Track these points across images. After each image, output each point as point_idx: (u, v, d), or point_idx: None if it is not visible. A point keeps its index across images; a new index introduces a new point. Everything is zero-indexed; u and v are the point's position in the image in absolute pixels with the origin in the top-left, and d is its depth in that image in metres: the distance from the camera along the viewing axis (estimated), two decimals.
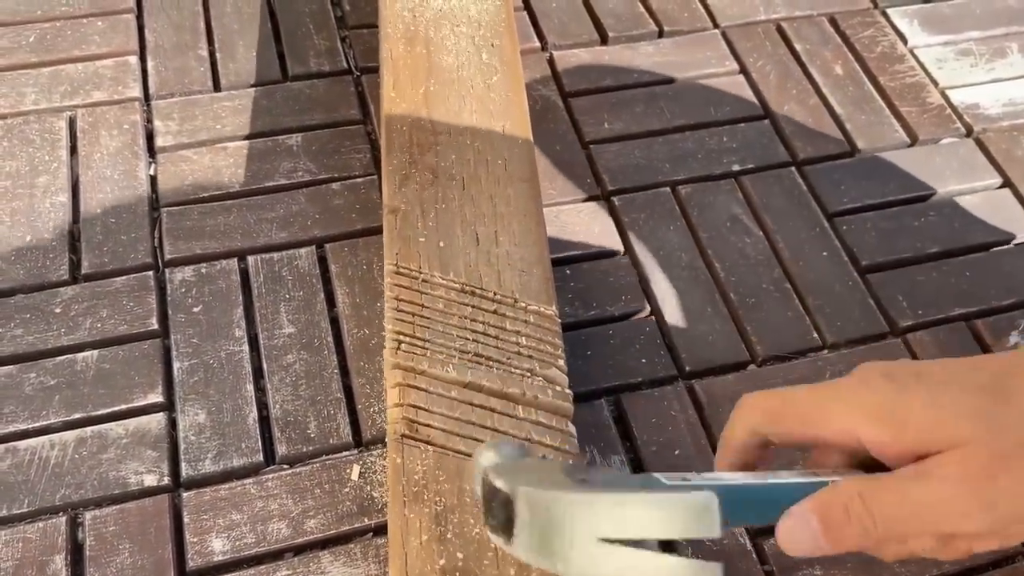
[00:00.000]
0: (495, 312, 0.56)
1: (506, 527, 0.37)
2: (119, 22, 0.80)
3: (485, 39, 0.70)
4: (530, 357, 0.55)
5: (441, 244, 0.59)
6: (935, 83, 0.83)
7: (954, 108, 0.82)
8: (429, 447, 0.50)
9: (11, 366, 0.60)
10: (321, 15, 0.83)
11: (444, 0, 0.72)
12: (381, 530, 0.56)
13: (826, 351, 0.66)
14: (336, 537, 0.55)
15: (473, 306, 0.56)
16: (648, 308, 0.67)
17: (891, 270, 0.71)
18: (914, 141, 0.79)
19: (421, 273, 0.57)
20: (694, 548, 0.55)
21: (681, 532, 0.34)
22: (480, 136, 0.65)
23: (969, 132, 0.80)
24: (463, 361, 0.54)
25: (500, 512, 0.37)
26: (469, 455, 0.50)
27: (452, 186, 0.62)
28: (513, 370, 0.54)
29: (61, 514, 0.55)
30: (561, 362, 0.55)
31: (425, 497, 0.48)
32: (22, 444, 0.57)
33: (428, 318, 0.56)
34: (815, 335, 0.66)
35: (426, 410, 0.52)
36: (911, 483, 0.36)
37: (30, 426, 0.58)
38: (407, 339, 0.55)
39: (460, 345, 0.55)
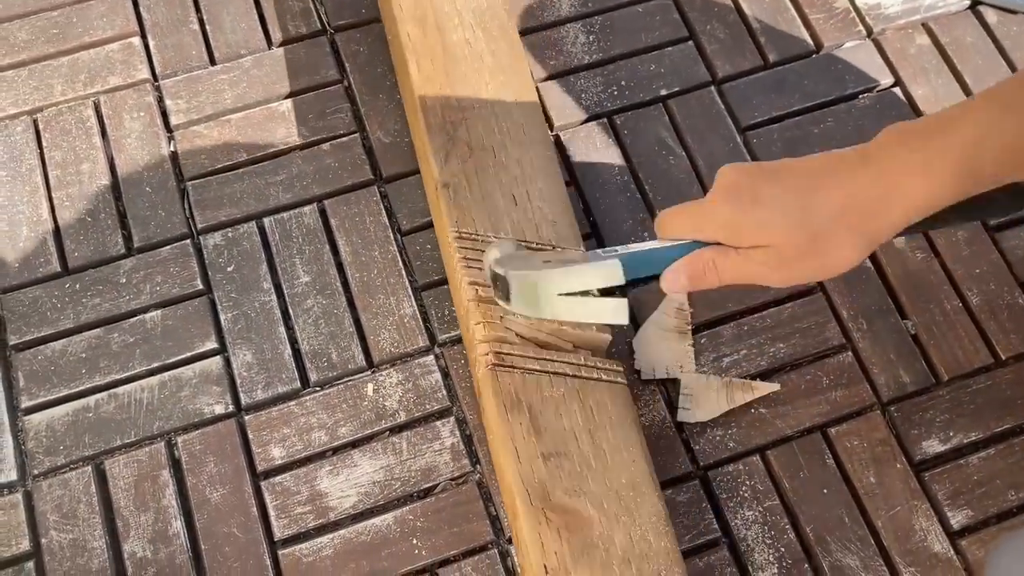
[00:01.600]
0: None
1: (506, 296, 0.63)
2: (116, 3, 0.91)
3: (480, 10, 0.80)
4: None
5: (488, 208, 0.72)
6: None
7: (858, 10, 0.92)
8: (515, 370, 0.67)
9: (98, 329, 0.78)
10: None
11: None
12: (394, 430, 0.75)
13: None
14: (362, 438, 0.75)
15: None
16: (590, 231, 0.83)
17: None
18: (819, 48, 0.91)
19: (479, 235, 0.71)
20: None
21: (600, 283, 0.61)
22: (498, 106, 0.77)
23: (869, 33, 0.91)
24: None
25: (503, 286, 0.63)
26: (543, 372, 0.67)
27: (485, 156, 0.74)
28: None
29: (159, 440, 0.75)
30: None
31: (520, 407, 0.66)
32: (120, 390, 0.76)
33: None
34: None
35: (506, 341, 0.68)
36: (744, 260, 0.58)
37: (124, 375, 0.77)
38: (481, 286, 0.69)
39: None
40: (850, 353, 0.78)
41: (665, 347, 0.77)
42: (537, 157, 0.76)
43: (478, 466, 0.74)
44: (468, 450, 0.75)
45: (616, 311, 0.61)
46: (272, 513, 0.72)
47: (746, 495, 0.73)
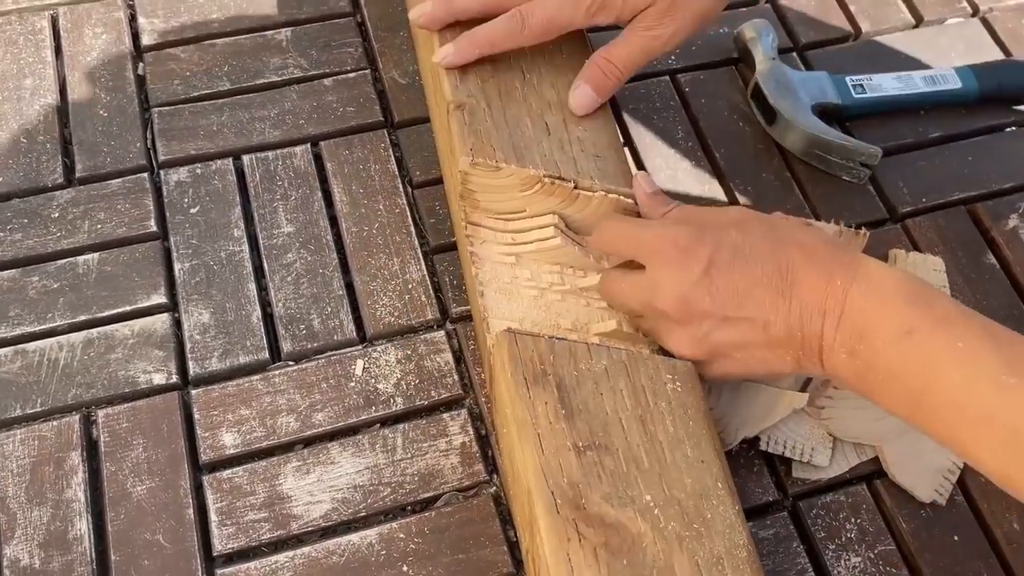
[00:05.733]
0: (576, 200, 0.56)
1: (769, 119, 0.69)
2: None
3: None
4: None
5: (513, 136, 0.56)
6: None
7: None
8: (540, 335, 0.51)
9: (13, 270, 0.61)
10: None
11: None
12: (387, 421, 0.57)
13: None
14: (344, 429, 0.57)
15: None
16: None
17: (892, 156, 0.70)
18: (919, 22, 0.77)
19: (499, 167, 0.55)
20: None
21: (859, 158, 0.67)
22: None
23: (975, 11, 0.78)
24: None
25: (765, 110, 0.69)
26: (579, 340, 0.52)
27: (511, 76, 0.59)
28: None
29: (74, 413, 0.56)
30: None
31: (546, 381, 0.49)
32: (30, 346, 0.58)
33: None
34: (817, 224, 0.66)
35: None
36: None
37: (37, 328, 0.59)
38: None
39: None
40: None
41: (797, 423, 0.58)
42: None
43: (495, 475, 0.56)
44: (483, 453, 0.56)
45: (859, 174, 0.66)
46: (214, 518, 0.53)
47: (851, 535, 0.55)
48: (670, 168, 0.68)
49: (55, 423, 0.56)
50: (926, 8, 0.78)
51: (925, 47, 0.76)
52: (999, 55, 0.76)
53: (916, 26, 0.77)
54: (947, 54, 0.75)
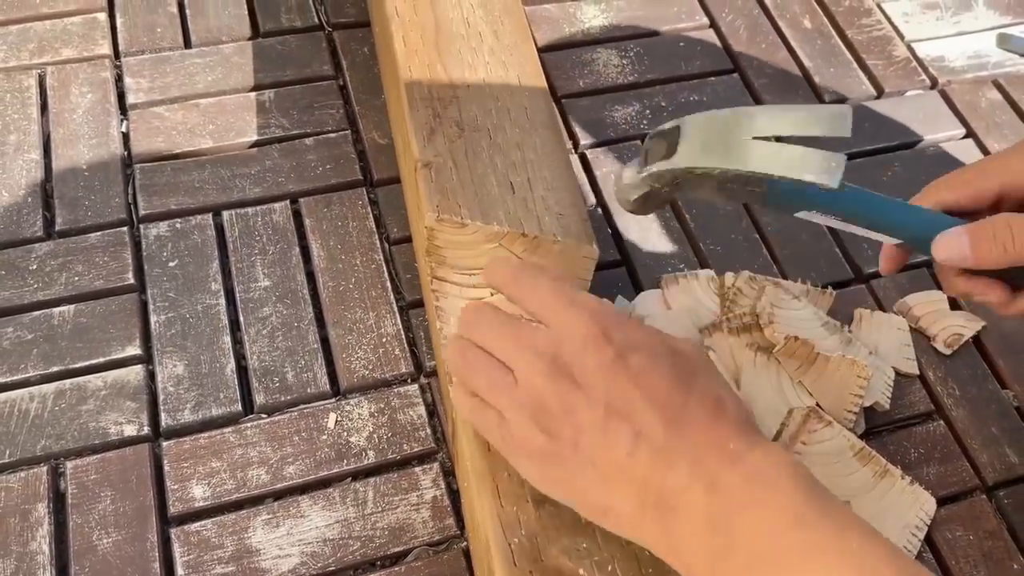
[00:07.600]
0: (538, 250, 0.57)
1: (666, 154, 0.47)
2: None
3: None
4: None
5: (479, 194, 0.58)
6: (901, 36, 0.85)
7: (920, 61, 0.83)
8: None
9: None
10: None
11: None
12: (359, 475, 0.57)
13: None
14: (315, 482, 0.56)
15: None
16: (619, 258, 0.68)
17: None
18: (880, 93, 0.80)
19: (465, 223, 0.56)
20: None
21: (821, 131, 0.44)
22: (497, 87, 0.64)
23: (934, 84, 0.82)
24: None
25: (660, 146, 0.47)
26: None
27: (478, 137, 0.61)
28: None
29: (42, 464, 0.56)
30: None
31: None
32: (1, 396, 0.58)
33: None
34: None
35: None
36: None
37: (8, 379, 0.58)
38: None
39: None
40: (942, 423, 0.62)
41: None
42: (542, 142, 0.62)
43: (466, 530, 0.56)
44: (454, 507, 0.56)
45: (826, 165, 0.43)
46: (180, 572, 0.52)
47: None
48: (641, 229, 0.70)
49: (22, 474, 0.55)
50: (887, 80, 0.81)
51: (887, 118, 0.79)
52: (958, 127, 0.79)
53: (877, 97, 0.80)
54: (908, 125, 0.78)
